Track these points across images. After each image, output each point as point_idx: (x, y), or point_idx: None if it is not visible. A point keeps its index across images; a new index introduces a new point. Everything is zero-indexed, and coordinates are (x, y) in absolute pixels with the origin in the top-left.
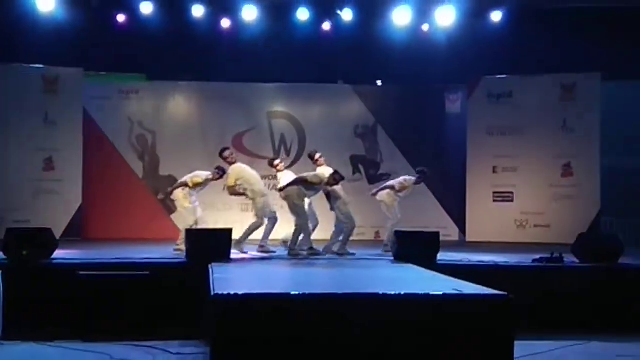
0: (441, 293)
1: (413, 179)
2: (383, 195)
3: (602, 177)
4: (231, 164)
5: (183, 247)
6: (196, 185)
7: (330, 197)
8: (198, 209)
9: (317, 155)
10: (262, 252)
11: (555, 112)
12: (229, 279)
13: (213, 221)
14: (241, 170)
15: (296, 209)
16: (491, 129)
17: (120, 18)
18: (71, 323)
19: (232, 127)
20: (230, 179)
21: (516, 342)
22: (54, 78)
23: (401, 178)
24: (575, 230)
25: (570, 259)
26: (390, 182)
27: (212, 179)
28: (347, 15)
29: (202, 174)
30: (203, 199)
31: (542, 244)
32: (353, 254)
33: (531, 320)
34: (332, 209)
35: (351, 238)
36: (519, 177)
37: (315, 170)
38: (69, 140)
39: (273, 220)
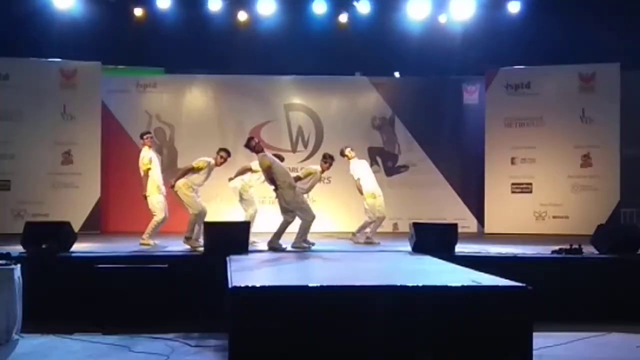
0: (460, 285)
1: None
2: None
3: (622, 168)
4: None
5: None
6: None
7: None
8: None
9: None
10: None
11: (574, 103)
12: (247, 272)
13: (231, 214)
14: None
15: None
16: (509, 120)
17: (138, 12)
18: (90, 316)
19: (249, 120)
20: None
21: (535, 333)
22: (71, 72)
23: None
24: (594, 221)
25: (589, 250)
26: None
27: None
28: (363, 7)
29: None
30: (220, 191)
31: (561, 235)
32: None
33: (550, 311)
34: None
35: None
36: (537, 168)
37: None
38: (87, 133)
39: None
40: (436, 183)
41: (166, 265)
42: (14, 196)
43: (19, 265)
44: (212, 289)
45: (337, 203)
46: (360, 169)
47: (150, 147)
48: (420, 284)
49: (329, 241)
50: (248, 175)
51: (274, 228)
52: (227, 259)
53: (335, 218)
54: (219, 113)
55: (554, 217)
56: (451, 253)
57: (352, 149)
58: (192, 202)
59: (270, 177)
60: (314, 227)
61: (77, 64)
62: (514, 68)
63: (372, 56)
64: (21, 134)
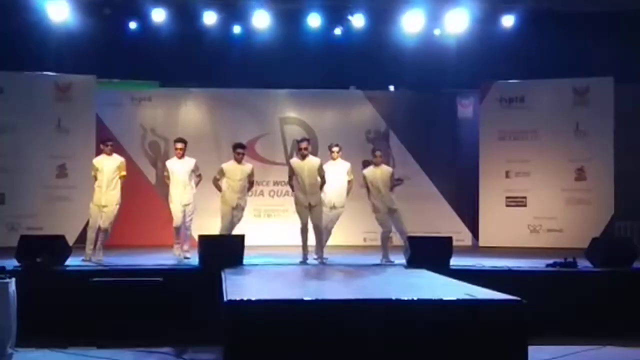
0: (454, 298)
1: None
2: None
3: (616, 181)
4: None
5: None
6: None
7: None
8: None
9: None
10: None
11: (568, 116)
12: (242, 285)
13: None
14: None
15: None
16: (503, 133)
17: (133, 25)
18: (85, 330)
19: (244, 133)
20: None
21: (530, 347)
22: (66, 85)
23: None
24: (588, 234)
25: (584, 263)
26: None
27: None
28: (358, 21)
29: None
30: (215, 204)
31: (556, 249)
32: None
33: (545, 325)
34: None
35: (364, 243)
36: (531, 181)
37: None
38: (81, 147)
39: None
40: (430, 196)
41: (161, 279)
42: (8, 209)
43: (13, 279)
44: (206, 303)
45: None
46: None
47: (108, 154)
48: (415, 298)
49: (324, 254)
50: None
51: (269, 242)
52: (222, 272)
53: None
54: (213, 126)
55: (549, 230)
56: (446, 266)
57: (339, 150)
58: None
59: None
60: (312, 241)
61: (72, 77)
62: (508, 82)
63: (366, 70)
64: (16, 147)
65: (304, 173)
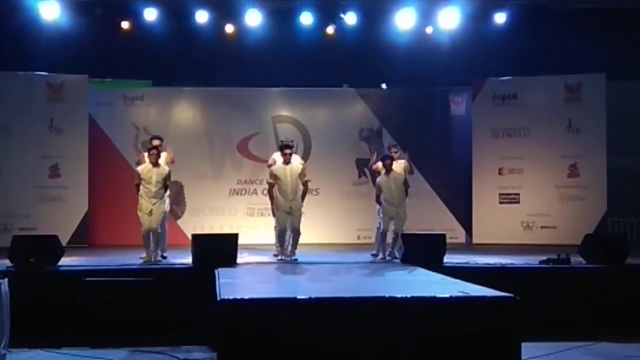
0: (448, 295)
1: None
2: None
3: (609, 177)
4: None
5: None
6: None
7: None
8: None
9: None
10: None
11: (560, 113)
12: (235, 284)
13: (219, 226)
14: None
15: None
16: (496, 130)
17: (125, 25)
18: (78, 330)
19: (237, 132)
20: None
21: (523, 344)
22: (58, 85)
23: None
24: (582, 231)
25: (577, 260)
26: None
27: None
28: (350, 19)
29: None
30: (209, 203)
31: (549, 245)
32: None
33: (538, 321)
34: None
35: (358, 241)
36: (524, 178)
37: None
38: (74, 146)
39: None
40: (424, 194)
41: (154, 279)
42: (0, 210)
43: (6, 280)
44: (200, 302)
45: (326, 214)
46: None
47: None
48: (408, 295)
49: (318, 252)
50: None
51: (262, 240)
52: (215, 271)
53: (324, 229)
54: (206, 125)
55: (542, 227)
56: (440, 264)
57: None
58: None
59: None
60: (306, 239)
61: (64, 77)
62: (500, 79)
63: (359, 68)
64: (8, 148)
65: (287, 178)
